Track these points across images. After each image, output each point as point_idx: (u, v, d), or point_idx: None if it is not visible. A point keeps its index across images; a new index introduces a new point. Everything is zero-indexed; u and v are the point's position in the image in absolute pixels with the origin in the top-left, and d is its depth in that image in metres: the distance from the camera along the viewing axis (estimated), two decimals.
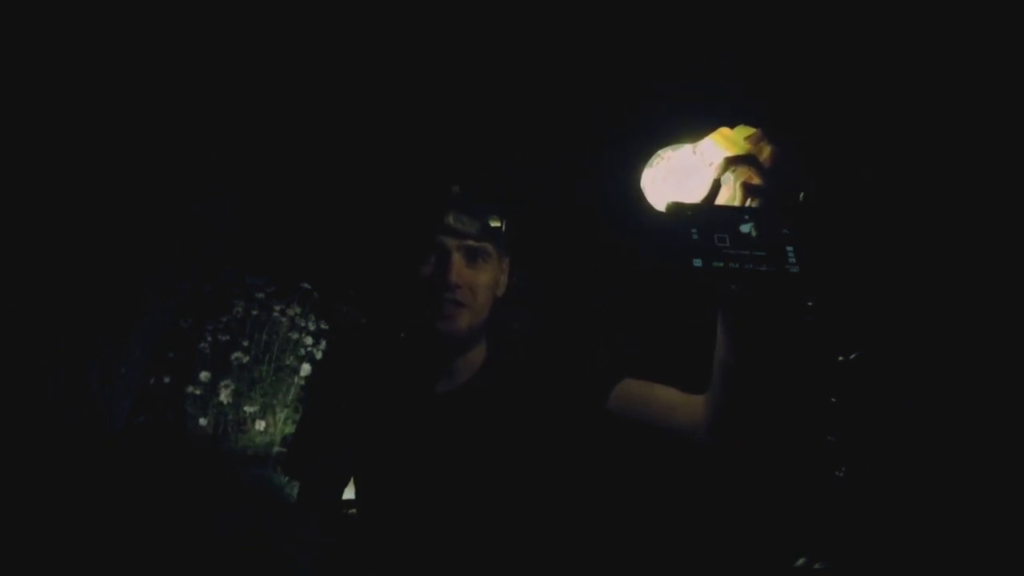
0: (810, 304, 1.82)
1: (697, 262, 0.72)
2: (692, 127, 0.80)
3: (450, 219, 1.04)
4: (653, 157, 0.81)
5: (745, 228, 0.74)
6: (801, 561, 1.79)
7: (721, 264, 0.72)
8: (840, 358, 1.87)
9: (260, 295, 2.90)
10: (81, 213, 2.51)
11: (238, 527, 2.10)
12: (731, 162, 0.75)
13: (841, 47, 2.07)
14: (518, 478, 1.06)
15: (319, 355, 2.92)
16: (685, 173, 0.80)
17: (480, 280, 1.07)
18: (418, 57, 2.62)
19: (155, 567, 1.95)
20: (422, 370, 1.13)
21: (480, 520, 1.05)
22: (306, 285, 2.97)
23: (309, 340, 2.91)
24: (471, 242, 1.05)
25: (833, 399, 1.89)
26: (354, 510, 1.20)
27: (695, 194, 0.78)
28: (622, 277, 2.55)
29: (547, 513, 1.07)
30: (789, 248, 0.74)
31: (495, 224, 1.07)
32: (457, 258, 1.04)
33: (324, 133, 2.90)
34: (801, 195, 0.77)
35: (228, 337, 2.82)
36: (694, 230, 0.74)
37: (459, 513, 1.05)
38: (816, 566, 1.77)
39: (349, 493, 1.21)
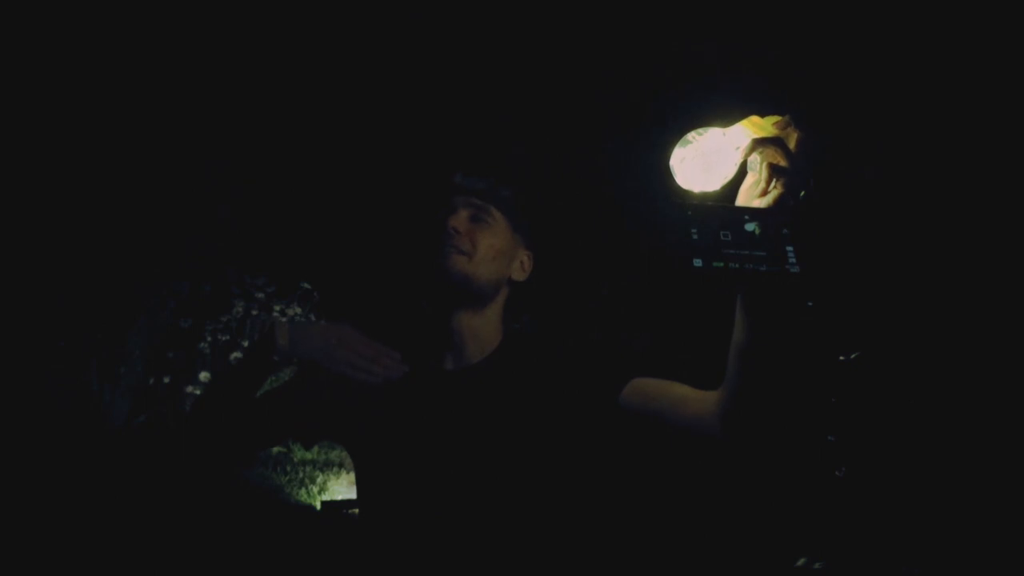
0: (810, 304, 1.82)
1: (697, 262, 0.72)
2: (719, 115, 0.81)
3: (457, 178, 1.07)
4: (683, 138, 0.82)
5: (748, 228, 0.75)
6: (801, 561, 1.79)
7: (721, 264, 0.72)
8: (840, 358, 1.87)
9: (260, 295, 2.89)
10: (81, 214, 2.51)
11: (238, 527, 2.10)
12: (758, 143, 0.76)
13: (841, 48, 2.07)
14: (529, 468, 1.05)
15: None
16: (713, 155, 0.81)
17: (482, 236, 1.08)
18: (418, 54, 2.62)
19: (156, 567, 1.95)
20: (428, 344, 1.12)
21: (490, 510, 1.04)
22: (306, 285, 2.97)
23: None
24: (476, 200, 1.07)
25: (833, 399, 1.89)
26: (352, 510, 1.19)
27: (722, 176, 0.79)
28: (623, 276, 2.55)
29: (555, 506, 1.07)
30: (789, 248, 0.74)
31: (503, 191, 1.09)
32: (461, 211, 1.07)
33: (324, 133, 2.90)
34: (802, 194, 0.77)
35: (228, 337, 2.81)
36: (694, 230, 0.74)
37: (470, 501, 1.04)
38: (816, 566, 1.77)
39: (348, 493, 1.21)
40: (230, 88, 2.65)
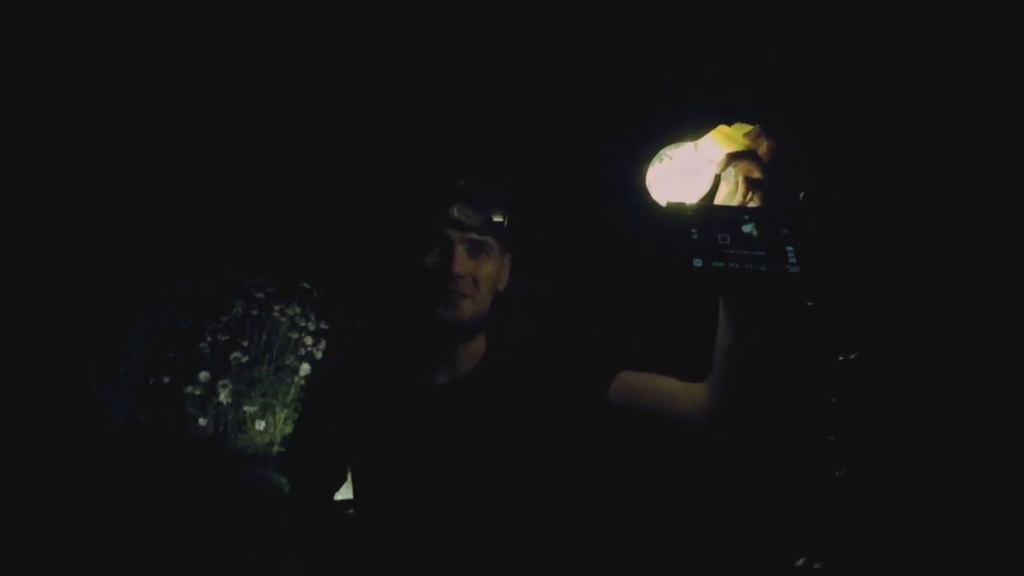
0: (810, 304, 1.82)
1: (697, 262, 0.72)
2: (691, 125, 0.81)
3: (455, 212, 1.05)
4: (657, 155, 0.82)
5: (747, 228, 0.75)
6: (801, 561, 1.79)
7: (721, 264, 0.72)
8: (840, 358, 1.87)
9: (260, 295, 2.89)
10: (82, 214, 2.51)
11: (238, 527, 2.10)
12: (732, 158, 0.76)
13: (841, 47, 2.07)
14: (521, 469, 1.06)
15: (319, 355, 2.92)
16: (687, 170, 0.81)
17: (482, 272, 1.09)
18: (419, 54, 2.62)
19: (155, 567, 1.95)
20: (423, 361, 1.14)
21: (485, 512, 1.05)
22: (306, 285, 2.97)
23: (309, 340, 2.91)
24: (474, 235, 1.07)
25: (833, 399, 1.89)
26: (352, 510, 1.20)
27: (697, 190, 0.79)
28: (622, 276, 2.55)
29: (550, 505, 1.08)
30: (789, 248, 0.74)
31: (498, 219, 1.08)
32: (460, 250, 1.06)
33: (324, 132, 2.90)
34: (801, 195, 0.78)
35: (228, 337, 2.81)
36: (694, 230, 0.74)
37: (464, 506, 1.05)
38: (816, 566, 1.77)
39: (346, 493, 1.22)
40: (230, 88, 2.65)
